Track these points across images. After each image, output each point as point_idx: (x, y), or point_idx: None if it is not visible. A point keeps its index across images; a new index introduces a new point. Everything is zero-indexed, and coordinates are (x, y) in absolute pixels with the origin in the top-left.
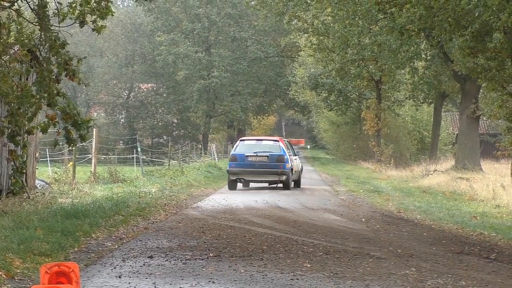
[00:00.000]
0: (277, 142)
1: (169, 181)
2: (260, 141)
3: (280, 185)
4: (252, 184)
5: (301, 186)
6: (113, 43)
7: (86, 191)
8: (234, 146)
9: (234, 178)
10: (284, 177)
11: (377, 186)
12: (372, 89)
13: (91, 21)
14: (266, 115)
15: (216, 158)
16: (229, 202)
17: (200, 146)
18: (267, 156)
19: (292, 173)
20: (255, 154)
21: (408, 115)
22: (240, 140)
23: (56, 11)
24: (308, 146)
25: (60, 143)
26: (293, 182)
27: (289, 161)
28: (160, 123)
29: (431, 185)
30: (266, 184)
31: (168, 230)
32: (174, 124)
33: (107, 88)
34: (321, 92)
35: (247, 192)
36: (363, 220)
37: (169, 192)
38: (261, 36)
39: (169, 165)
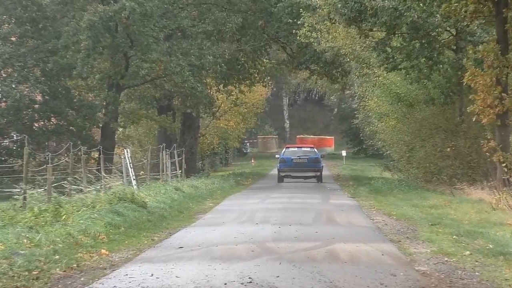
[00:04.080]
0: (313, 149)
1: (25, 236)
2: (300, 148)
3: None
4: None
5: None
6: None
7: None
8: (281, 152)
9: (284, 175)
10: (318, 173)
11: (503, 242)
12: (488, 22)
13: None
14: (247, 82)
15: (134, 181)
16: (164, 281)
17: (97, 156)
18: (307, 158)
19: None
20: (298, 157)
21: None
22: (286, 148)
23: None
24: (344, 152)
25: None
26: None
27: (322, 161)
28: (3, 104)
29: None
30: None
31: None
32: (36, 106)
33: None
34: (371, 30)
35: (204, 257)
36: None
37: (25, 261)
38: None
39: (25, 198)
